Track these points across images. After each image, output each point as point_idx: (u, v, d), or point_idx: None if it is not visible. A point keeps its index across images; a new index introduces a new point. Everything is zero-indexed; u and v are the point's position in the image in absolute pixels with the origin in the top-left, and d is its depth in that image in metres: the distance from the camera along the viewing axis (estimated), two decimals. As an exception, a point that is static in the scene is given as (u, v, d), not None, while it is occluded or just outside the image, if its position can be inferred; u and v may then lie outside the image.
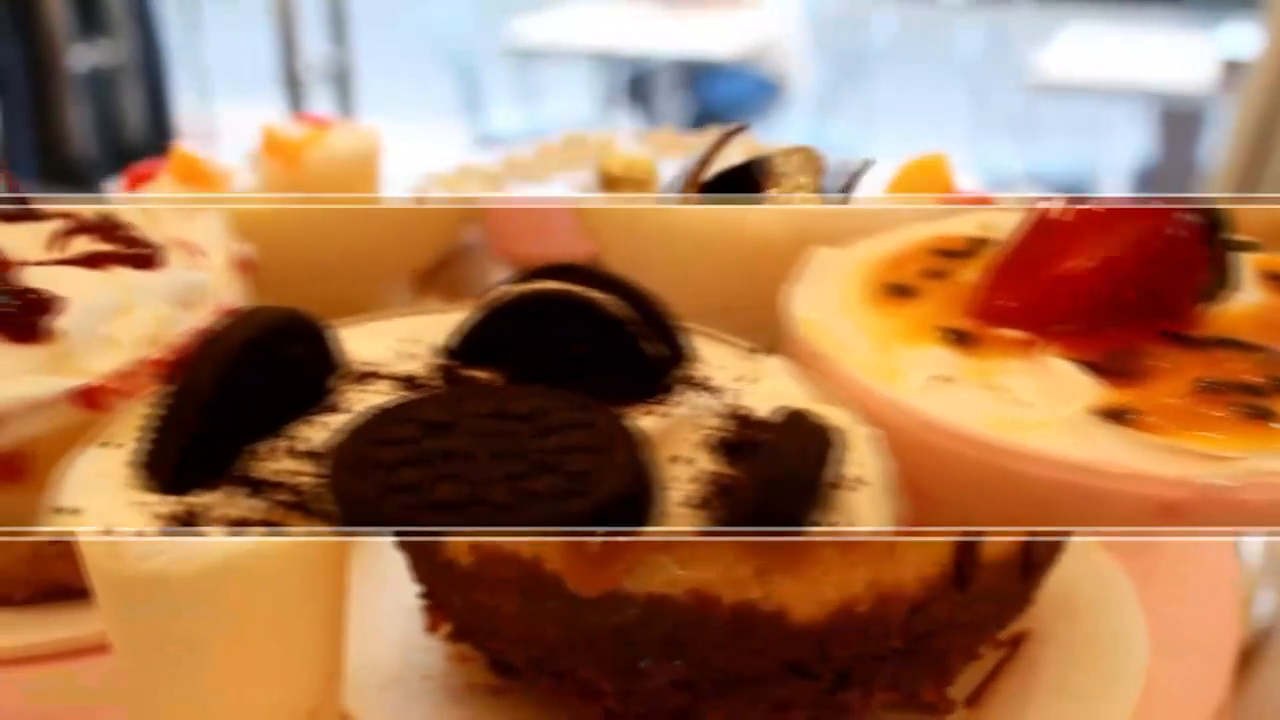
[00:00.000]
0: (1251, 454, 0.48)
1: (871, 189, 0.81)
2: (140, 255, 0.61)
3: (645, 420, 0.45)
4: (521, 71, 3.60)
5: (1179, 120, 2.78)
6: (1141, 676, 0.55)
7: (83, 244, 0.62)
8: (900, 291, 0.61)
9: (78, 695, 0.56)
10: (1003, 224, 0.63)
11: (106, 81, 2.41)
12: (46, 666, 0.58)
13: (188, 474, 0.42)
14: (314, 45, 2.47)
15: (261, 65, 2.49)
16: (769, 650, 0.46)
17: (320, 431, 0.44)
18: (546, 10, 3.40)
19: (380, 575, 0.60)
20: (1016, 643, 0.57)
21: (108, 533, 0.41)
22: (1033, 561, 0.51)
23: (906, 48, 3.90)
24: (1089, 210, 0.57)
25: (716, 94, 3.28)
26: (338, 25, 2.54)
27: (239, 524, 0.41)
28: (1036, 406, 0.52)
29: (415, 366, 0.49)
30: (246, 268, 0.65)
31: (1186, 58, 2.78)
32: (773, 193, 0.57)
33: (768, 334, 0.55)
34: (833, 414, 0.46)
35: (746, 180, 0.58)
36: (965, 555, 0.48)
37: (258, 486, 0.42)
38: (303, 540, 0.42)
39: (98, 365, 0.54)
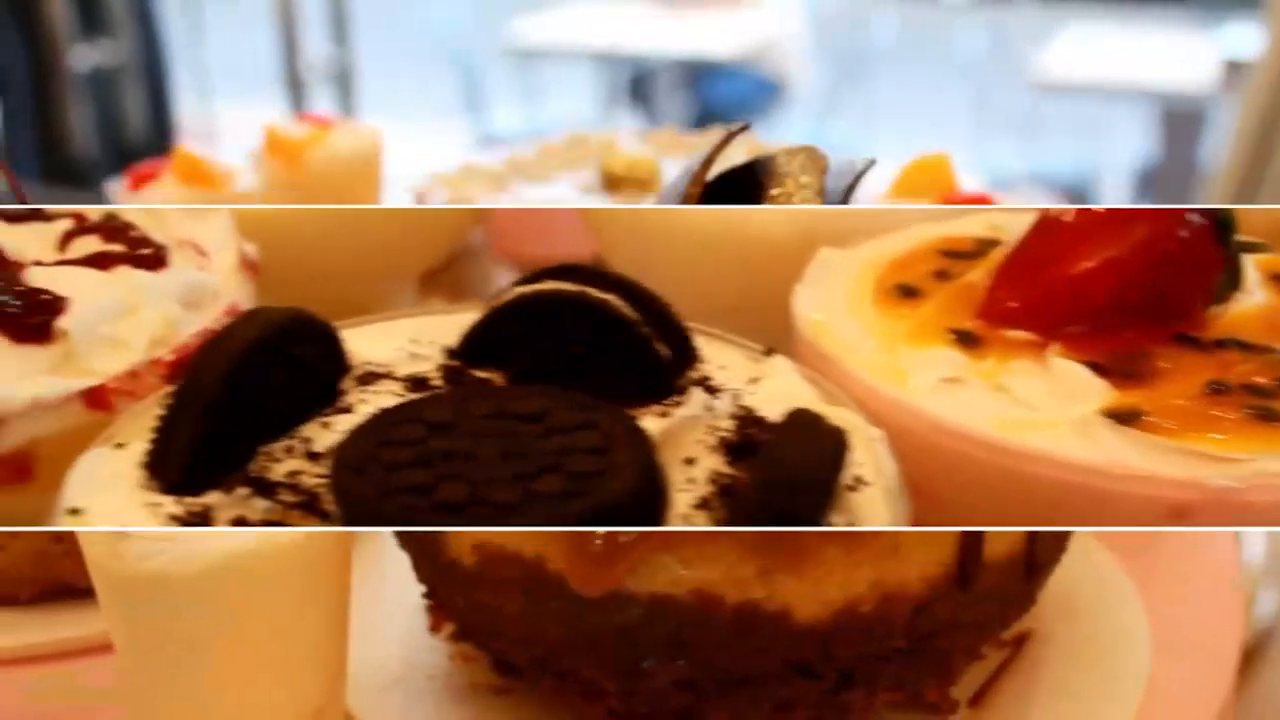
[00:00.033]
0: (1259, 455, 0.48)
1: (874, 189, 0.81)
2: (146, 256, 0.61)
3: (653, 421, 0.45)
4: (522, 71, 3.60)
5: (1181, 120, 2.78)
6: (1144, 677, 0.55)
7: (89, 244, 0.62)
8: (907, 292, 0.61)
9: (81, 695, 0.56)
10: (1010, 225, 0.63)
11: (108, 81, 2.41)
12: (50, 666, 0.58)
13: (198, 475, 0.42)
14: (315, 45, 2.47)
15: (263, 65, 2.49)
16: (772, 650, 0.46)
17: (331, 433, 0.44)
18: (547, 10, 3.39)
19: (383, 575, 0.60)
20: (1019, 643, 0.58)
21: (99, 529, 0.41)
22: (1036, 561, 0.51)
23: (907, 47, 3.90)
24: (1097, 212, 0.57)
25: (717, 94, 3.27)
26: (339, 25, 2.54)
27: (249, 525, 0.41)
28: (1044, 408, 0.52)
29: (425, 367, 0.49)
30: (253, 268, 0.65)
31: (1188, 58, 2.77)
32: (774, 192, 0.57)
33: (773, 335, 0.55)
34: (841, 415, 0.46)
35: (749, 180, 0.58)
36: (969, 555, 0.48)
37: (268, 488, 0.42)
38: (304, 541, 0.42)
39: (104, 366, 0.54)
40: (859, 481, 0.44)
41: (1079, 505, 0.49)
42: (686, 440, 0.45)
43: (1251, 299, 0.59)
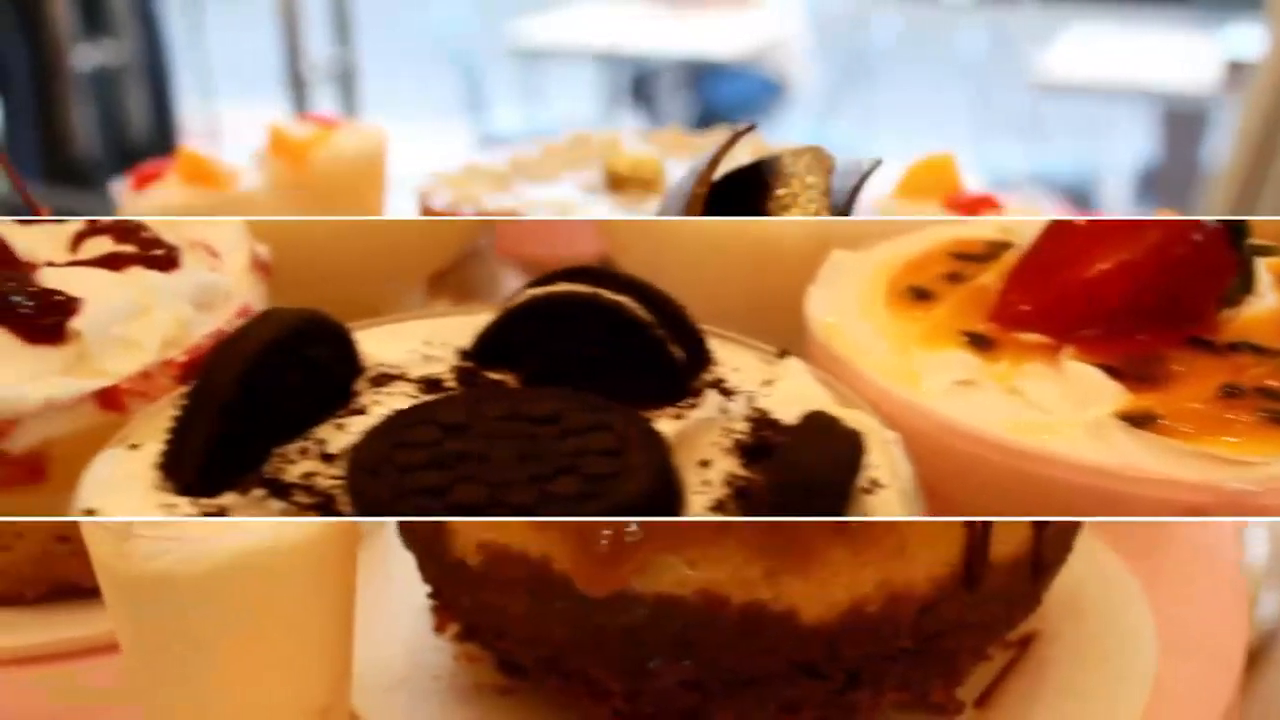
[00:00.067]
0: (1274, 459, 0.48)
1: (879, 189, 0.81)
2: (158, 257, 0.61)
3: (668, 424, 0.45)
4: (524, 71, 3.59)
5: (1183, 121, 2.78)
6: (1150, 677, 0.55)
7: (100, 245, 0.62)
8: (919, 295, 0.62)
9: (86, 695, 0.56)
10: (1021, 227, 0.64)
11: (110, 81, 2.41)
12: (56, 666, 0.58)
13: (213, 476, 0.42)
14: (317, 45, 2.47)
15: (265, 65, 2.49)
16: (778, 650, 0.46)
17: (345, 434, 0.44)
18: (549, 10, 3.39)
19: (388, 576, 0.60)
20: (1025, 643, 0.58)
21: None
22: (1042, 562, 0.51)
23: (909, 48, 3.90)
24: (1110, 218, 0.57)
25: (719, 94, 3.27)
26: (341, 25, 2.53)
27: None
28: (1058, 411, 0.52)
29: (439, 369, 0.49)
30: (265, 269, 0.66)
31: (1191, 58, 2.77)
32: (780, 192, 0.57)
33: (785, 337, 0.55)
34: (856, 417, 0.46)
35: (755, 180, 0.58)
36: (975, 556, 0.48)
37: (283, 489, 0.42)
38: (309, 540, 0.42)
39: (117, 366, 0.54)
40: (874, 484, 0.44)
41: (1093, 508, 0.49)
42: (701, 442, 0.45)
43: (1264, 302, 0.59)
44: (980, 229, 0.68)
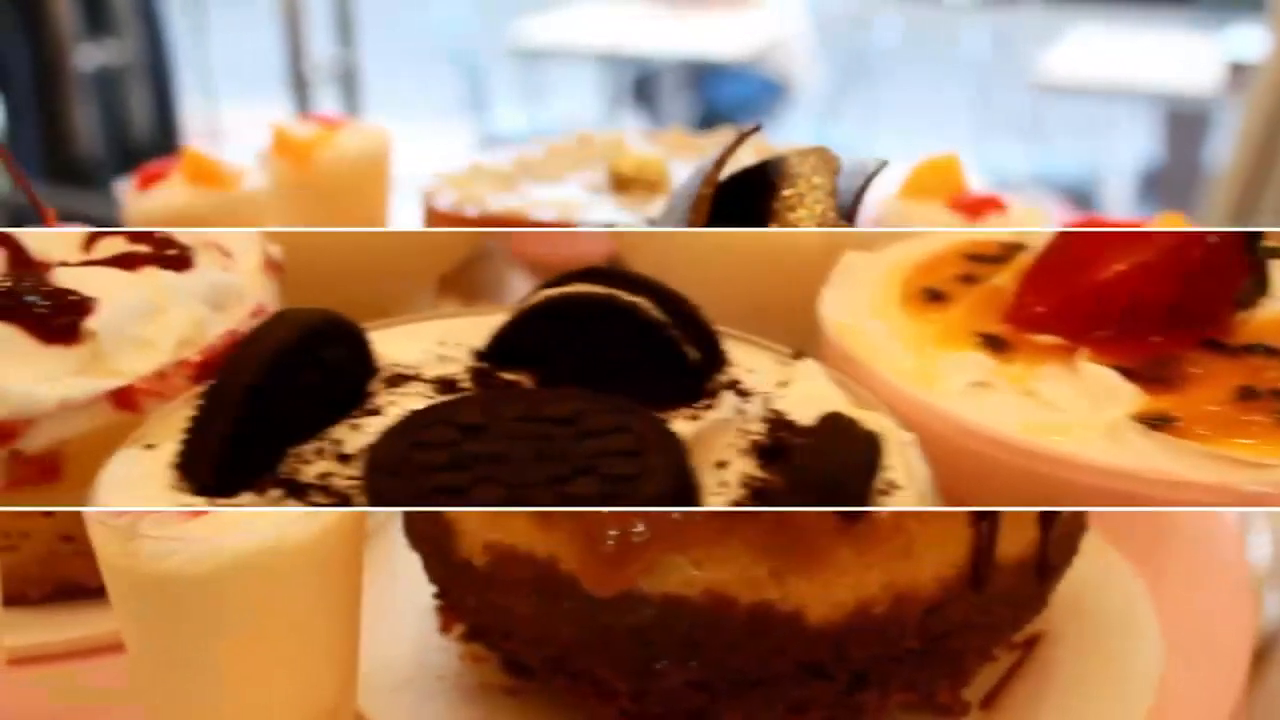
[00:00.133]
0: None
1: (884, 190, 0.81)
2: (172, 256, 0.61)
3: (684, 424, 0.45)
4: (526, 72, 3.59)
5: (1185, 122, 2.78)
6: (1155, 678, 0.55)
7: (114, 245, 0.62)
8: (933, 296, 0.62)
9: (91, 695, 0.56)
10: (1036, 229, 0.63)
11: (113, 81, 2.41)
12: (61, 665, 0.58)
13: (230, 476, 0.42)
14: (320, 45, 2.47)
15: (268, 65, 2.49)
16: (785, 651, 0.46)
17: (360, 434, 0.44)
18: (552, 10, 3.39)
19: (394, 576, 0.60)
20: (1031, 644, 0.58)
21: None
22: (1047, 563, 0.51)
23: (911, 48, 3.89)
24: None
25: (721, 95, 3.27)
26: (344, 25, 2.53)
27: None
28: (1074, 412, 0.52)
29: (454, 369, 0.49)
30: (277, 269, 0.66)
31: (1193, 59, 2.76)
32: (787, 193, 0.57)
33: (798, 338, 0.55)
34: (872, 419, 0.46)
35: (761, 181, 0.58)
36: (981, 556, 0.48)
37: (300, 489, 0.42)
38: (316, 540, 0.42)
39: (131, 366, 0.54)
40: (891, 486, 0.44)
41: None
42: (718, 443, 0.45)
43: (1278, 305, 0.59)
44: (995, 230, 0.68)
